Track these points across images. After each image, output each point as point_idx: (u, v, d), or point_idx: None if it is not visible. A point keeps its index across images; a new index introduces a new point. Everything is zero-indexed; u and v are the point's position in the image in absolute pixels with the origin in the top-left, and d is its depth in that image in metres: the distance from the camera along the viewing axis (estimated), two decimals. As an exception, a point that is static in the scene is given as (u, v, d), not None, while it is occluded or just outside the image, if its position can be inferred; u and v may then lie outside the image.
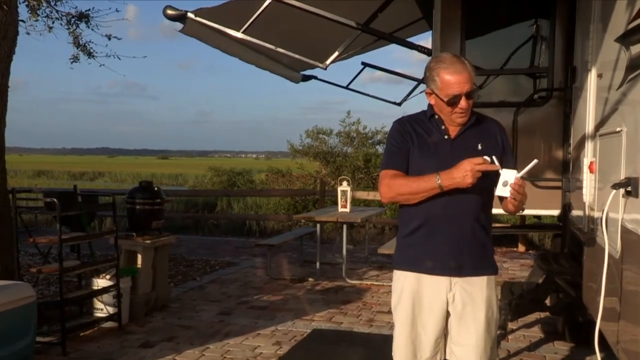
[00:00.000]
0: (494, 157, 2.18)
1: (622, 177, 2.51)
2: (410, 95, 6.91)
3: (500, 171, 2.13)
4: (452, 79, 2.22)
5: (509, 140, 2.43)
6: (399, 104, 7.03)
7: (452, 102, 2.25)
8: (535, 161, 2.11)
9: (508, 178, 2.11)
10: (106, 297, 4.84)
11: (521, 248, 8.85)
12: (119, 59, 8.82)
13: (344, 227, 6.85)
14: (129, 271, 5.12)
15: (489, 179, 2.19)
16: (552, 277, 4.07)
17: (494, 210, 2.44)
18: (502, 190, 2.12)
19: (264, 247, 7.26)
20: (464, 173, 2.13)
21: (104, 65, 8.61)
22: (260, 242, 7.52)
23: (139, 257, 5.25)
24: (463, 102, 2.24)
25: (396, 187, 2.29)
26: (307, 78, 7.04)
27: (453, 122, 2.31)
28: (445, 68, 2.24)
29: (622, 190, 2.45)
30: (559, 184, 4.60)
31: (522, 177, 2.12)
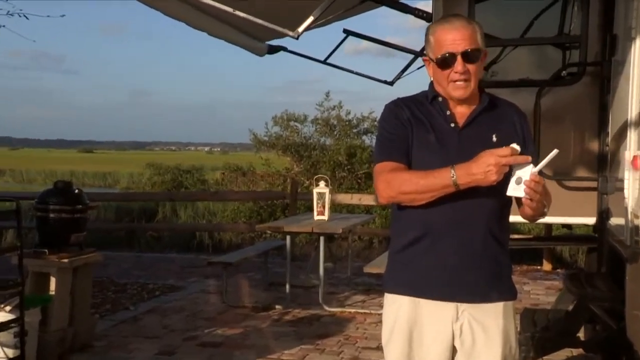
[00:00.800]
0: (515, 146, 2.15)
1: (675, 175, 2.52)
2: (405, 73, 6.92)
3: (512, 166, 2.13)
4: (447, 35, 2.27)
5: (530, 129, 2.44)
6: (391, 83, 7.03)
7: (444, 62, 2.27)
8: (555, 151, 2.11)
9: (522, 174, 2.13)
10: (5, 335, 4.70)
11: (547, 266, 8.93)
12: (27, 18, 8.58)
13: (321, 239, 6.83)
14: (38, 300, 5.01)
15: (506, 178, 2.17)
16: (586, 303, 4.09)
17: (512, 218, 2.44)
18: (515, 189, 2.15)
19: (218, 266, 7.19)
20: (485, 168, 2.11)
21: (4, 26, 8.37)
22: (213, 259, 7.45)
23: (53, 281, 5.13)
24: (459, 65, 2.25)
25: (398, 183, 2.26)
26: (274, 50, 6.99)
27: (452, 97, 2.32)
28: (441, 24, 2.31)
29: (675, 192, 2.46)
30: (594, 184, 4.64)
31: (540, 173, 2.13)
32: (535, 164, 2.14)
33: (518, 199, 2.24)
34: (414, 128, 2.32)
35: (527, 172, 2.12)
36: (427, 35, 2.35)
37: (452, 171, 2.16)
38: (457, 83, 2.27)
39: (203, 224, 12.32)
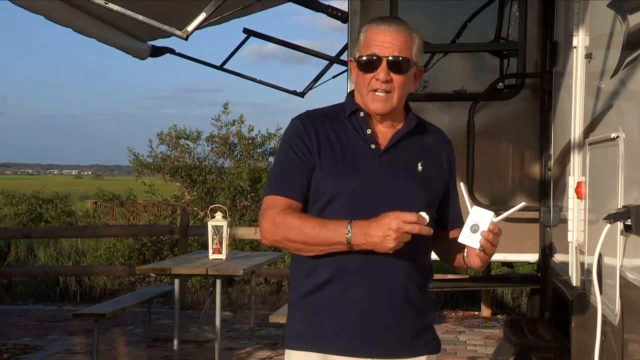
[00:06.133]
0: (462, 185, 2.26)
1: (620, 204, 2.67)
2: (319, 82, 7.02)
3: (469, 209, 2.20)
4: (378, 35, 2.34)
5: (456, 160, 2.55)
6: (302, 95, 7.12)
7: (367, 64, 2.34)
8: (522, 204, 2.22)
9: (480, 222, 2.17)
10: None
11: (486, 311, 9.13)
12: None
13: (218, 283, 6.78)
14: None
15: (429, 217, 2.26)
16: (527, 354, 4.23)
17: (436, 257, 2.53)
18: (469, 237, 2.18)
19: (88, 319, 7.02)
20: (385, 232, 2.16)
21: None
22: (81, 310, 7.26)
23: None
24: (382, 72, 2.32)
25: (286, 228, 2.31)
26: (158, 52, 6.97)
27: (370, 111, 2.38)
28: (377, 23, 2.38)
29: (619, 225, 2.60)
30: (536, 215, 4.81)
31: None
32: (496, 212, 2.19)
33: (444, 247, 2.31)
34: (322, 151, 2.37)
35: (485, 221, 2.17)
36: (358, 32, 2.43)
37: (349, 227, 2.22)
38: (377, 94, 2.34)
39: (69, 267, 11.98)
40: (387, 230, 2.15)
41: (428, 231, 2.17)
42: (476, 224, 2.17)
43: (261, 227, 2.37)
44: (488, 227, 2.16)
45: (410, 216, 2.14)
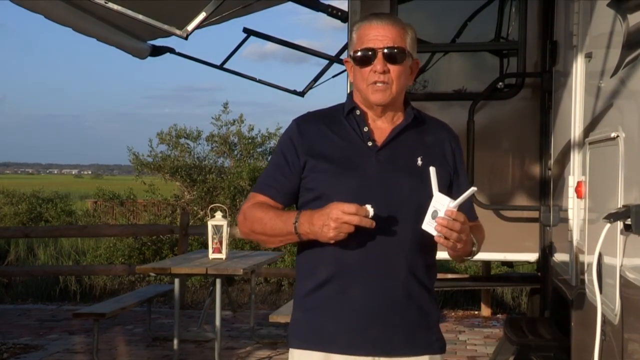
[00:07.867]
0: (432, 170, 2.24)
1: (620, 204, 2.67)
2: (319, 82, 7.03)
3: (434, 193, 2.20)
4: (371, 30, 2.37)
5: (462, 153, 2.54)
6: (302, 94, 7.12)
7: (362, 59, 2.36)
8: (472, 189, 2.20)
9: (439, 208, 2.18)
10: None
11: (486, 311, 9.15)
12: None
13: (218, 282, 6.79)
14: None
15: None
16: (527, 353, 4.24)
17: (442, 255, 2.51)
18: (429, 223, 2.20)
19: (88, 319, 7.02)
20: (325, 221, 2.20)
21: None
22: (81, 310, 7.27)
23: None
24: (378, 63, 2.34)
25: (251, 220, 2.42)
26: (158, 51, 6.98)
27: (371, 104, 2.39)
28: (369, 19, 2.41)
29: (619, 224, 2.60)
30: (536, 214, 4.82)
31: (459, 208, 2.18)
32: (453, 197, 2.19)
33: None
34: (317, 152, 2.38)
35: (443, 207, 2.17)
36: (351, 32, 2.46)
37: (297, 216, 2.28)
38: (376, 85, 2.35)
39: (68, 266, 12.00)
40: (326, 219, 2.19)
41: (370, 224, 2.17)
42: (436, 210, 2.18)
43: (237, 219, 2.49)
44: (445, 213, 2.16)
45: (349, 207, 2.17)
